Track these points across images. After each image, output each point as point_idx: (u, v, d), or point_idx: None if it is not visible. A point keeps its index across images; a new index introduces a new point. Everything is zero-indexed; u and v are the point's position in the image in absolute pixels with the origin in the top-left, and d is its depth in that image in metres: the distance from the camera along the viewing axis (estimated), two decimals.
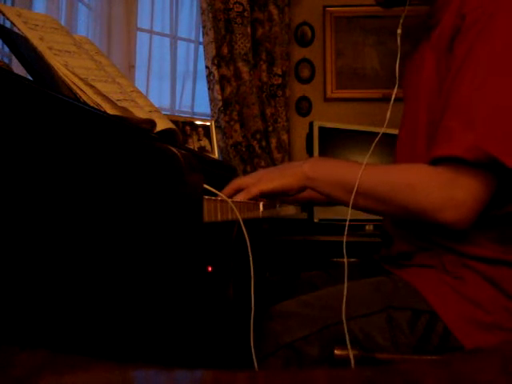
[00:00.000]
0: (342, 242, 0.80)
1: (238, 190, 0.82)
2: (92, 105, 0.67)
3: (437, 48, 0.80)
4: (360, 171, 0.75)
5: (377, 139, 0.85)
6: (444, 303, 0.75)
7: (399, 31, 0.89)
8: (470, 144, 0.66)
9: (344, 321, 0.72)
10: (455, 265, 0.77)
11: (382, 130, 0.85)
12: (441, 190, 0.69)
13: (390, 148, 1.00)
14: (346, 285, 0.75)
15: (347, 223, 0.79)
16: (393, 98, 0.86)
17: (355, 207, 0.78)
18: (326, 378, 0.27)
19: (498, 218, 0.75)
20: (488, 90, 0.68)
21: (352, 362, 0.69)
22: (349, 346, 0.70)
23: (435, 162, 0.71)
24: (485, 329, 0.72)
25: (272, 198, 0.91)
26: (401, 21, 0.89)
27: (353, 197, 0.76)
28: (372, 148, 0.85)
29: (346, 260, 0.79)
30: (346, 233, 0.79)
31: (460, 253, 0.76)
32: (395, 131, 0.93)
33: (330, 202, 0.88)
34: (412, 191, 0.72)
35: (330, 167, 0.83)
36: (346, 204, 0.79)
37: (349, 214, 0.78)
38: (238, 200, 0.77)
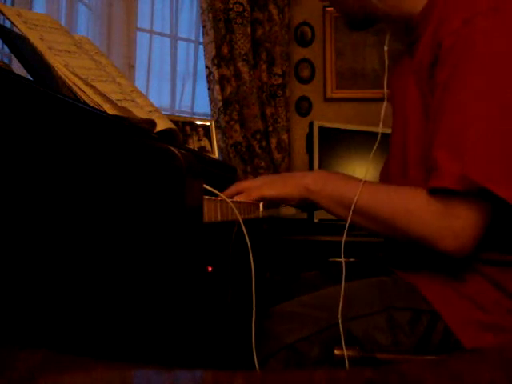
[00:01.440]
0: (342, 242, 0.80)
1: (240, 193, 0.83)
2: (92, 105, 0.67)
3: (418, 74, 0.80)
4: (358, 190, 0.76)
5: (377, 141, 0.86)
6: (445, 303, 0.75)
7: (386, 48, 0.91)
8: (458, 174, 0.66)
9: (340, 321, 0.72)
10: (460, 266, 0.76)
11: (379, 130, 0.85)
12: (437, 220, 0.69)
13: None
14: (343, 285, 0.75)
15: (347, 223, 0.79)
16: (384, 104, 0.87)
17: (357, 226, 0.79)
18: (325, 379, 0.27)
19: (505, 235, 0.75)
20: (469, 118, 0.68)
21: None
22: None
23: (431, 191, 0.71)
24: (486, 329, 0.72)
25: (271, 204, 0.92)
26: (386, 41, 0.91)
27: (349, 218, 0.78)
28: (373, 152, 0.86)
29: (343, 260, 0.79)
30: (345, 232, 0.79)
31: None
32: None
33: None
34: (411, 218, 0.72)
35: (333, 182, 0.82)
36: (346, 221, 0.79)
37: (349, 217, 0.78)
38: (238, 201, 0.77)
